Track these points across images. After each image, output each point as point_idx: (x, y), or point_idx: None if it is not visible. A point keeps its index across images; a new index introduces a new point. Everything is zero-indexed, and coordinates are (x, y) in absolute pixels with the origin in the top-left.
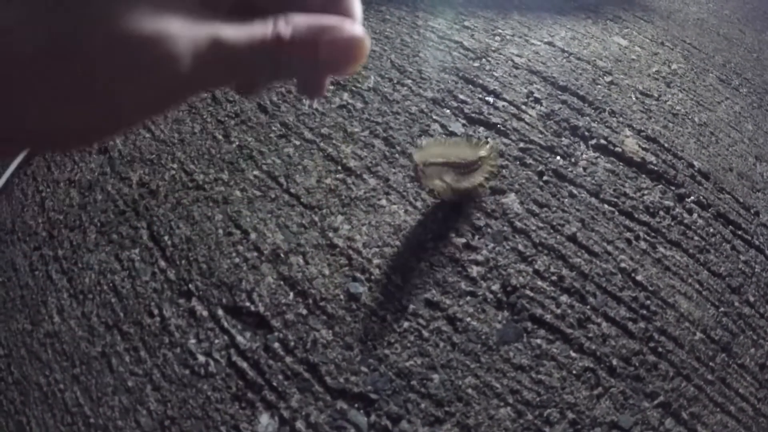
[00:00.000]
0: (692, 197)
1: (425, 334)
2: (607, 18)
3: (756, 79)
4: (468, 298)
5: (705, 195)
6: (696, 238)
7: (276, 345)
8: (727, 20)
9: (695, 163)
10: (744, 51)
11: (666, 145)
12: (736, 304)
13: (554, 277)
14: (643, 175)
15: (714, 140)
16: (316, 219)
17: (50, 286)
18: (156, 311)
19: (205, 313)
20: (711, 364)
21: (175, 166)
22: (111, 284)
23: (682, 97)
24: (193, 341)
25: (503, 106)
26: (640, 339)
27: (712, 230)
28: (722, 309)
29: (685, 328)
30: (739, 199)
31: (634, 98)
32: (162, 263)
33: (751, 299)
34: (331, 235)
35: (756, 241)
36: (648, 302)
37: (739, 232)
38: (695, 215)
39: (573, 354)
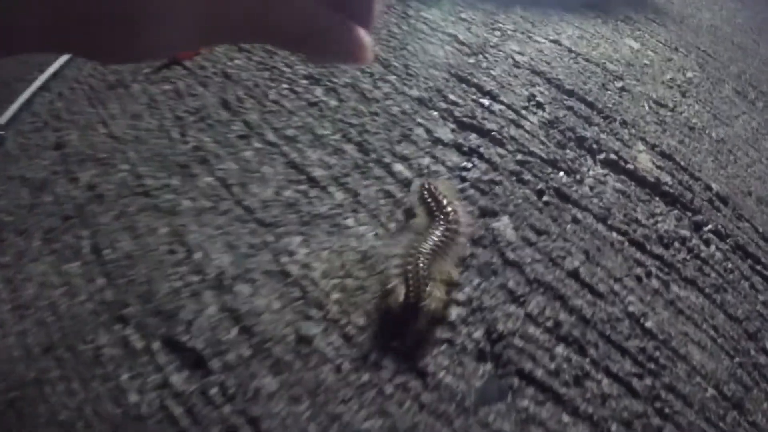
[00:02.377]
0: (710, 225)
1: (388, 389)
2: (617, 18)
3: None
4: (443, 347)
5: (723, 223)
6: (713, 275)
7: (214, 390)
8: (740, 29)
9: (713, 185)
10: (759, 62)
11: (682, 163)
12: (752, 352)
13: (549, 323)
14: (657, 198)
15: (732, 159)
16: (270, 239)
17: None
18: (90, 337)
19: (140, 345)
20: (721, 424)
21: (126, 167)
22: (49, 300)
23: (698, 109)
24: (126, 376)
25: (500, 110)
26: (645, 398)
27: (730, 265)
28: (737, 359)
29: (696, 384)
30: (758, 229)
31: (647, 107)
32: (101, 281)
33: None
34: (284, 260)
35: None
36: (657, 353)
37: (758, 267)
38: (713, 247)
39: (565, 418)
